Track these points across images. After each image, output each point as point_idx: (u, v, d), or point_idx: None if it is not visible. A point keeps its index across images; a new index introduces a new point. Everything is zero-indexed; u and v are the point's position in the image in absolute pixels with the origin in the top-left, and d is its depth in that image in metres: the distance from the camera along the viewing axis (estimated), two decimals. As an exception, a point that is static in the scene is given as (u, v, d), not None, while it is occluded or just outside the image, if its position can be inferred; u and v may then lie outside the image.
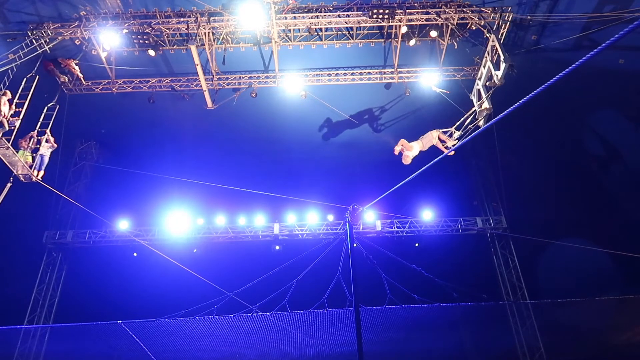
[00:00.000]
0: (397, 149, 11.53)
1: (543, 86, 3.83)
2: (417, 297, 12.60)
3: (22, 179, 12.74)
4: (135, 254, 18.20)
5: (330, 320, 12.59)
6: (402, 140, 11.51)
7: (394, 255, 13.22)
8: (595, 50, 3.31)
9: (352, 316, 8.51)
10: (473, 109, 13.42)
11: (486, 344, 15.79)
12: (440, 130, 12.05)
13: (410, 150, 11.48)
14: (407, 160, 11.54)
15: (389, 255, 13.31)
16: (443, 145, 11.93)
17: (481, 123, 13.56)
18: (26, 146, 12.67)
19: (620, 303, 12.90)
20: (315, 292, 12.67)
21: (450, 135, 12.36)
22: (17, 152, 12.34)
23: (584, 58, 3.43)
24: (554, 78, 3.70)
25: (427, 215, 18.38)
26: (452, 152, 11.42)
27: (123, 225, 18.11)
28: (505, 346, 16.68)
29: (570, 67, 3.54)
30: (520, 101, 4.13)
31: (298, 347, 14.04)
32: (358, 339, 7.64)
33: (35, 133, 13.04)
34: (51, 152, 13.41)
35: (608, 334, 13.92)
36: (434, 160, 6.28)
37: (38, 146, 12.94)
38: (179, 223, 18.11)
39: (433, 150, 11.67)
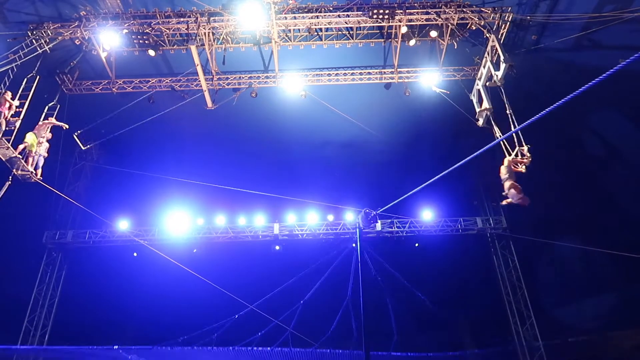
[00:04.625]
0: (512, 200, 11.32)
1: (575, 93, 3.67)
2: (422, 297, 12.54)
3: (21, 179, 12.71)
4: (135, 254, 18.19)
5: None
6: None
7: (398, 273, 13.08)
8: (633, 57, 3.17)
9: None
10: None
11: (486, 344, 15.81)
12: (510, 157, 11.97)
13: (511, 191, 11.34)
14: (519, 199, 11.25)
15: (393, 260, 13.25)
16: (518, 167, 11.99)
17: (480, 122, 13.58)
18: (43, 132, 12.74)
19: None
20: (323, 307, 12.42)
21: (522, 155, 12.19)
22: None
23: (616, 67, 3.26)
24: (586, 85, 3.55)
25: (427, 215, 18.35)
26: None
27: (123, 225, 18.11)
28: (505, 346, 16.68)
29: (602, 75, 3.39)
30: (550, 107, 3.98)
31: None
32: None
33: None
34: (47, 152, 13.37)
35: (608, 334, 13.94)
36: (446, 167, 6.02)
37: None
38: (179, 223, 18.10)
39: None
